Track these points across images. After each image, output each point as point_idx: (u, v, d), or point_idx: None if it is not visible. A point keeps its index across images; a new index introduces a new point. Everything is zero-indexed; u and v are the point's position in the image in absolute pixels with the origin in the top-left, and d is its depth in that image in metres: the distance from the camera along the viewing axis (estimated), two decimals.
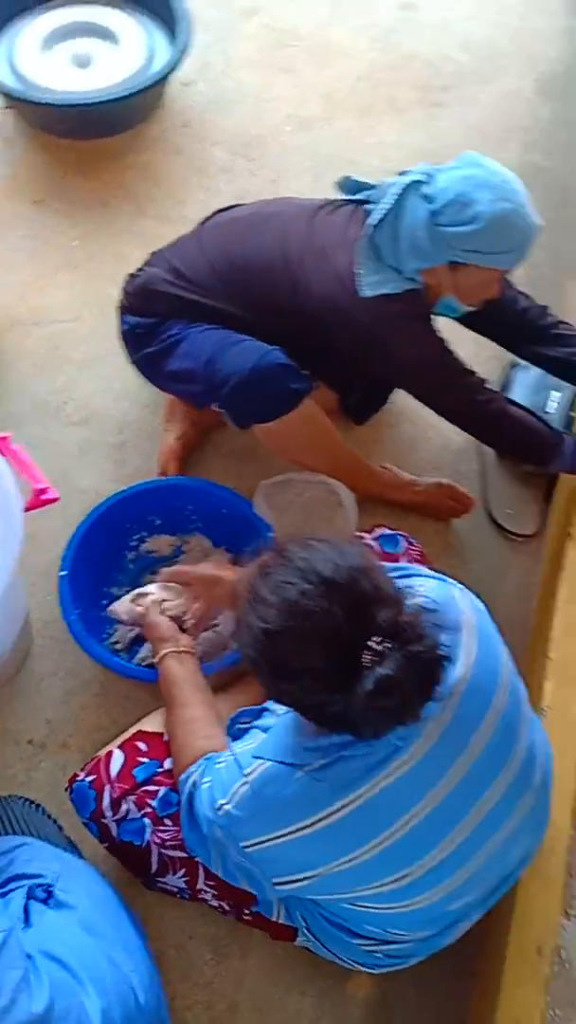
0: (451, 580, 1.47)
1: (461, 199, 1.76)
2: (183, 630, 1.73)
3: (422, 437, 2.33)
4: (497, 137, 2.92)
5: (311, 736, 1.28)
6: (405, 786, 1.26)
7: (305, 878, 1.33)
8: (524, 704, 1.42)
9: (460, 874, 1.35)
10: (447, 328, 2.10)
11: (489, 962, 1.62)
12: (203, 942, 1.73)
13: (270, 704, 1.49)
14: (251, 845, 1.32)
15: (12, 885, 1.42)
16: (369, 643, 1.12)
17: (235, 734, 1.53)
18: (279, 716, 1.39)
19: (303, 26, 3.18)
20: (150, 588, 1.80)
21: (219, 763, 1.41)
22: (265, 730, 1.39)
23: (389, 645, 1.12)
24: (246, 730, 1.49)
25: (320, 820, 1.27)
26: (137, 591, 1.80)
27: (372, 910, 1.38)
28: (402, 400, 2.34)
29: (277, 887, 1.36)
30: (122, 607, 1.80)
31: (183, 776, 1.48)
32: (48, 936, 1.33)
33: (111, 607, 1.82)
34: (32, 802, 1.65)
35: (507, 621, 2.10)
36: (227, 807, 1.33)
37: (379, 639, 1.13)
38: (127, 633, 1.95)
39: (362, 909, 1.38)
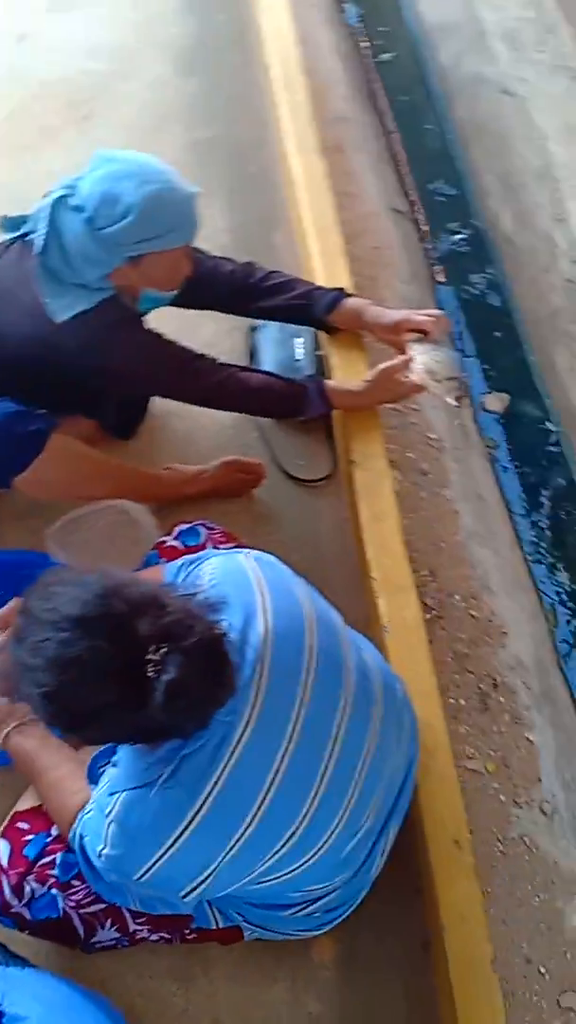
0: (235, 550, 1.48)
1: (107, 198, 1.76)
2: None
3: (195, 427, 2.34)
4: (157, 126, 2.95)
5: (151, 752, 1.26)
6: (253, 753, 1.26)
7: (206, 878, 1.31)
8: (341, 631, 1.43)
9: (343, 809, 1.36)
10: (181, 317, 2.12)
11: (421, 873, 1.65)
12: (163, 977, 1.69)
13: None
14: (143, 874, 1.30)
15: None
16: (147, 656, 1.11)
17: (96, 778, 1.50)
18: (120, 747, 1.37)
19: None
20: None
21: (87, 814, 1.38)
22: (115, 765, 1.37)
23: (166, 649, 1.11)
24: (104, 772, 1.46)
25: (192, 820, 1.26)
26: None
27: (283, 878, 1.37)
28: (162, 401, 2.33)
29: (185, 899, 1.34)
30: None
31: (70, 837, 1.45)
32: None
33: None
34: None
35: (336, 560, 2.18)
36: (105, 851, 1.30)
37: (154, 648, 1.11)
38: None
39: (274, 882, 1.38)
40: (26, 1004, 1.38)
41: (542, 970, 1.84)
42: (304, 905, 1.48)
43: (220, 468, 2.19)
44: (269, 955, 1.68)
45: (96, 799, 1.36)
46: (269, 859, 1.32)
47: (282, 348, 2.34)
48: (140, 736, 1.21)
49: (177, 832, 1.26)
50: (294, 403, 2.03)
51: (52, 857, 1.55)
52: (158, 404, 2.36)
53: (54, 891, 1.53)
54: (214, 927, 1.55)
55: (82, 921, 1.55)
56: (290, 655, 1.31)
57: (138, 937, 1.57)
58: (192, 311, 2.19)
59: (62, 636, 1.12)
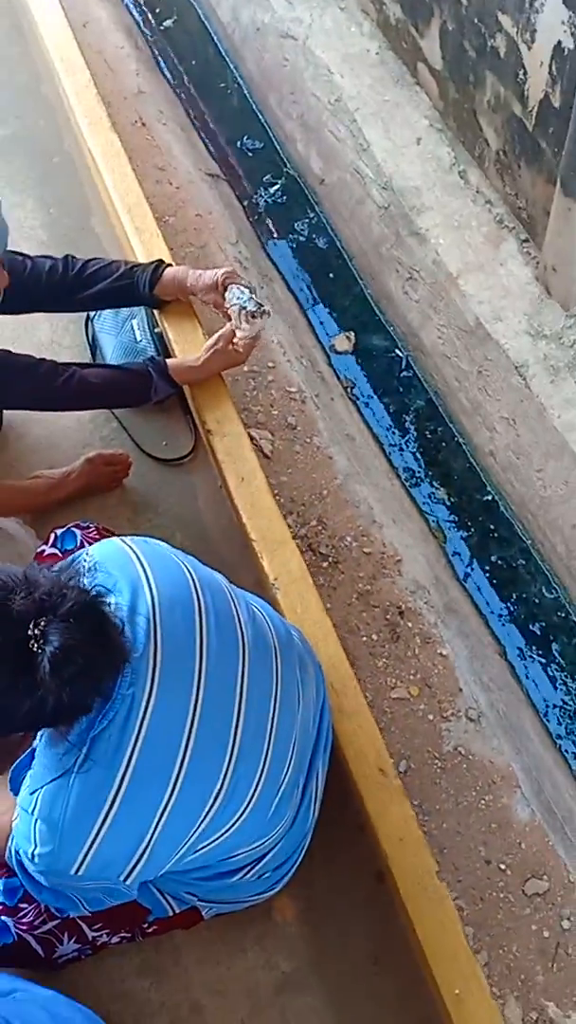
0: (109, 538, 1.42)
1: None
2: None
3: (54, 430, 2.24)
4: None
5: (62, 739, 1.21)
6: (162, 719, 1.22)
7: (142, 855, 1.25)
8: (227, 589, 1.39)
9: (261, 762, 1.33)
10: (14, 321, 2.01)
11: (355, 808, 1.65)
12: (136, 976, 1.66)
13: (35, 742, 1.38)
14: (79, 866, 1.23)
15: None
16: (28, 632, 1.07)
17: (17, 791, 1.44)
18: (33, 746, 1.31)
19: None
20: None
21: (15, 819, 1.32)
22: (33, 767, 1.30)
23: (44, 621, 1.07)
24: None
25: (115, 798, 1.20)
26: None
27: (218, 841, 1.32)
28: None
29: (127, 881, 1.27)
30: None
31: (7, 857, 1.38)
32: None
33: None
34: None
35: (220, 531, 2.13)
36: (37, 850, 1.24)
37: (32, 623, 1.07)
38: None
39: (212, 846, 1.32)
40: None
41: (502, 867, 1.87)
42: (251, 865, 1.44)
43: (85, 466, 2.11)
44: (233, 928, 1.66)
45: (19, 803, 1.29)
46: (200, 824, 1.28)
47: (121, 333, 2.25)
48: (44, 719, 1.14)
49: (103, 813, 1.20)
50: (140, 390, 1.96)
51: None
52: (15, 414, 2.25)
53: (3, 917, 1.48)
54: (171, 914, 1.51)
55: (38, 941, 1.50)
56: (182, 619, 1.27)
57: (99, 943, 1.53)
58: (23, 315, 2.09)
59: None
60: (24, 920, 1.48)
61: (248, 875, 1.46)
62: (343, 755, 1.60)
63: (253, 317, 1.91)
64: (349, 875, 1.69)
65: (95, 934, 1.51)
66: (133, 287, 2.03)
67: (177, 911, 1.51)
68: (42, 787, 1.22)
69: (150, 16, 3.85)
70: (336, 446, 2.52)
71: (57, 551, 1.74)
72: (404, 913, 1.52)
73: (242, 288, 1.94)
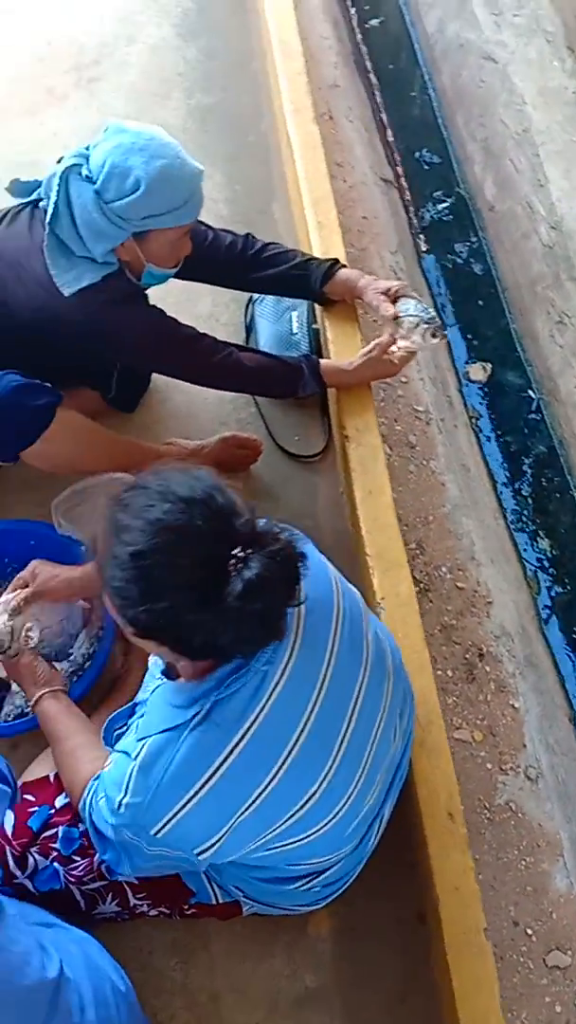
0: None
1: (117, 170, 1.63)
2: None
3: (197, 401, 2.21)
4: (159, 91, 2.77)
5: (183, 694, 1.20)
6: (284, 706, 1.19)
7: (223, 835, 1.22)
8: (361, 604, 1.36)
9: (357, 777, 1.29)
10: (182, 288, 1.99)
11: (415, 845, 1.60)
12: (163, 951, 1.63)
13: (139, 696, 1.41)
14: (161, 828, 1.20)
15: None
16: (233, 552, 1.08)
17: (114, 741, 1.41)
18: (149, 696, 1.30)
19: None
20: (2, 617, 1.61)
21: (105, 769, 1.30)
22: (143, 716, 1.29)
23: (251, 551, 1.08)
24: (123, 733, 1.39)
25: (219, 766, 1.18)
26: None
27: (292, 846, 1.28)
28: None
29: (201, 857, 1.24)
30: None
31: (80, 805, 1.38)
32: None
33: None
34: None
35: (333, 534, 2.09)
36: (125, 800, 1.21)
37: (240, 548, 1.08)
38: None
39: (283, 849, 1.29)
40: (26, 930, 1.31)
41: (529, 931, 1.81)
42: (310, 877, 1.40)
43: (219, 444, 2.08)
44: (266, 930, 1.62)
45: (119, 749, 1.27)
46: (286, 821, 1.24)
47: (279, 322, 2.21)
48: (191, 643, 1.13)
49: (204, 777, 1.18)
50: (289, 384, 1.92)
51: (55, 830, 1.48)
52: (160, 378, 2.23)
53: (56, 865, 1.47)
54: (214, 902, 1.49)
55: (83, 895, 1.49)
56: (321, 618, 1.25)
57: (138, 911, 1.51)
58: (191, 284, 2.05)
59: (167, 506, 1.10)
60: (74, 872, 1.47)
61: (302, 886, 1.42)
62: (414, 791, 1.55)
63: (433, 336, 1.84)
64: (392, 909, 1.64)
65: (137, 902, 1.49)
66: (305, 280, 1.99)
67: (220, 901, 1.48)
68: (151, 736, 1.20)
69: (357, 13, 3.78)
70: (451, 474, 2.45)
71: None
72: (442, 960, 1.47)
73: (420, 302, 1.88)
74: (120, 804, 1.22)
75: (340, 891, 1.50)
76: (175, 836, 1.21)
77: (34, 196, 1.79)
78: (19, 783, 1.57)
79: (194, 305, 2.28)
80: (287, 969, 1.60)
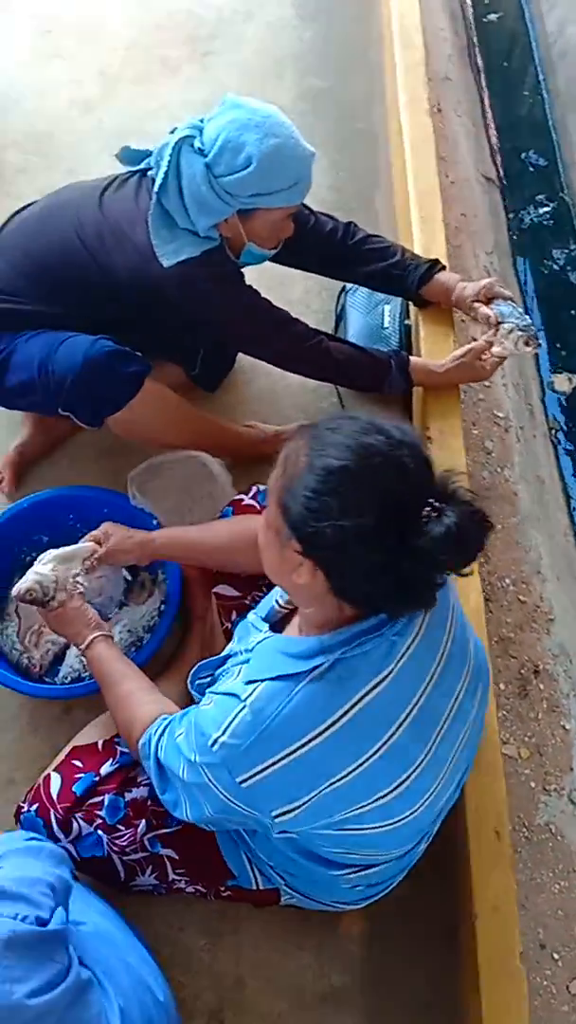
0: None
1: (230, 145, 1.60)
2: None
3: (279, 386, 2.19)
4: (272, 70, 2.74)
5: (302, 645, 1.17)
6: (401, 682, 1.16)
7: (306, 803, 1.18)
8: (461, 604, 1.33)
9: (441, 775, 1.26)
10: (276, 272, 1.95)
11: (458, 859, 1.57)
12: (194, 930, 1.63)
13: (233, 647, 1.39)
14: (250, 777, 1.17)
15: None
16: (430, 501, 1.06)
17: (199, 689, 1.41)
18: (254, 646, 1.28)
19: (63, 9, 2.91)
20: (48, 566, 1.58)
21: (204, 705, 1.26)
22: (245, 662, 1.26)
23: (446, 505, 1.06)
24: (210, 682, 1.38)
25: (328, 727, 1.14)
26: (36, 567, 1.57)
27: (363, 832, 1.24)
28: (248, 357, 2.17)
29: (279, 819, 1.20)
30: (29, 582, 1.56)
31: (142, 742, 1.36)
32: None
33: (16, 589, 1.56)
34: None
35: None
36: (223, 739, 1.17)
37: (436, 500, 1.06)
38: (45, 656, 1.81)
39: (354, 833, 1.24)
40: (79, 911, 1.32)
41: (555, 956, 1.76)
42: (358, 869, 1.36)
43: (298, 430, 2.03)
44: (298, 923, 1.61)
45: (224, 689, 1.23)
46: (369, 804, 1.19)
47: (370, 314, 2.17)
48: (356, 576, 1.10)
49: (311, 734, 1.14)
50: (376, 378, 1.88)
51: (101, 798, 1.48)
52: (244, 359, 2.20)
53: (100, 832, 1.46)
54: (253, 888, 1.47)
55: (123, 865, 1.48)
56: (443, 607, 1.23)
57: (175, 887, 1.50)
58: (284, 268, 2.02)
59: (379, 437, 1.08)
60: (118, 842, 1.46)
61: (346, 874, 1.38)
62: (463, 804, 1.51)
63: (526, 344, 1.79)
64: (424, 919, 1.62)
65: (175, 877, 1.49)
66: (403, 278, 1.94)
67: (260, 887, 1.47)
68: (264, 680, 1.17)
69: (475, 7, 3.68)
70: (524, 484, 2.39)
71: (256, 504, 1.70)
72: (473, 979, 1.44)
73: (516, 307, 1.82)
74: (215, 742, 1.18)
75: (380, 895, 1.47)
76: (260, 791, 1.18)
77: (143, 165, 1.77)
78: (69, 747, 1.58)
79: (286, 289, 2.24)
80: (315, 964, 1.59)
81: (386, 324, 2.14)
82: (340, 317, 2.23)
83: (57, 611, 1.56)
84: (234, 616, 1.67)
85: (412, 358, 1.89)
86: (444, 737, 1.23)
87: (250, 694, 1.17)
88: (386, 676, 1.15)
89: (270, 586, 1.62)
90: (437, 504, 1.06)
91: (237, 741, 1.16)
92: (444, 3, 3.41)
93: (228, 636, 1.65)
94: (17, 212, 1.92)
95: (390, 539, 1.04)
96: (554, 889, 1.83)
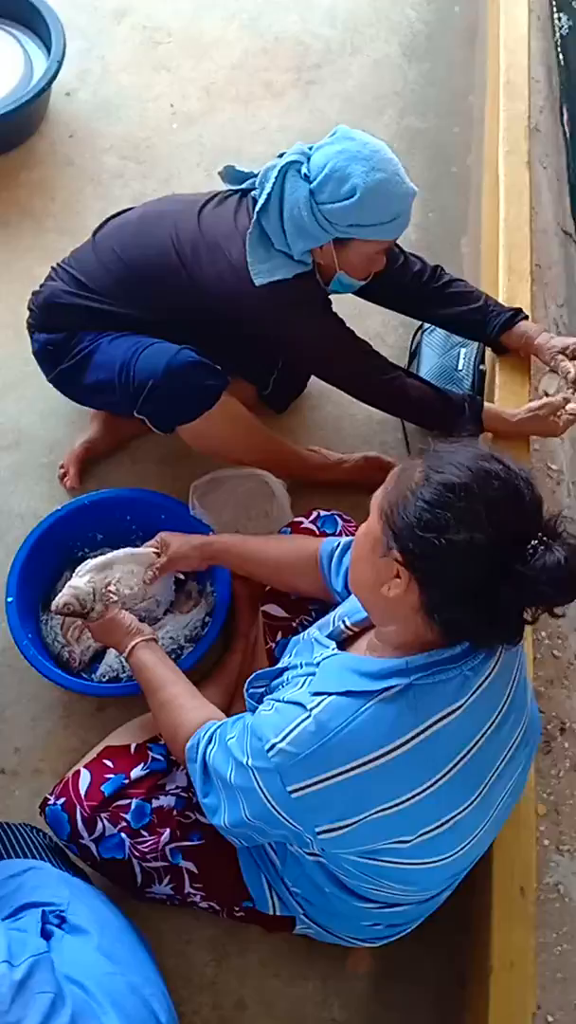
0: None
1: (337, 174, 1.62)
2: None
3: (346, 415, 2.18)
4: (373, 106, 2.75)
5: (374, 665, 1.17)
6: (467, 719, 1.15)
7: (352, 824, 1.16)
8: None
9: (486, 821, 1.24)
10: (355, 303, 1.96)
11: (478, 912, 1.54)
12: (201, 945, 1.62)
13: (290, 660, 1.39)
14: (301, 788, 1.16)
15: (23, 913, 1.30)
16: (539, 534, 1.06)
17: (253, 696, 1.41)
18: (328, 658, 1.27)
19: (173, 22, 2.95)
20: (84, 578, 1.58)
21: (263, 711, 1.26)
22: (311, 675, 1.26)
23: (554, 541, 1.06)
24: (265, 692, 1.38)
25: (390, 751, 1.13)
26: (72, 581, 1.58)
27: (398, 865, 1.22)
28: (321, 382, 2.17)
29: (322, 836, 1.19)
30: (66, 596, 1.55)
31: (190, 744, 1.35)
32: (69, 961, 1.21)
33: (54, 604, 1.56)
34: (36, 828, 1.53)
35: None
36: (281, 745, 1.16)
37: (544, 535, 1.06)
38: (86, 652, 1.81)
39: (388, 865, 1.22)
40: (88, 919, 1.31)
41: (550, 1018, 1.73)
42: (380, 906, 1.34)
43: (361, 461, 2.05)
44: (306, 953, 1.59)
45: (287, 698, 1.23)
46: (413, 838, 1.18)
47: (445, 355, 2.17)
48: (451, 596, 1.09)
49: (371, 755, 1.13)
50: (447, 419, 1.86)
51: (128, 801, 1.47)
52: (315, 385, 2.21)
53: (123, 835, 1.46)
54: (269, 912, 1.45)
55: (142, 871, 1.47)
56: (514, 652, 1.22)
57: (189, 900, 1.49)
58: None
59: (497, 465, 1.08)
60: (139, 848, 1.46)
61: (372, 909, 1.35)
62: (490, 855, 1.48)
63: None
64: (434, 966, 1.59)
65: (191, 890, 1.48)
66: (484, 323, 1.95)
67: (277, 913, 1.45)
68: (332, 694, 1.17)
69: (569, 62, 3.69)
70: None
71: (315, 529, 1.70)
72: None
73: None
74: (273, 747, 1.17)
75: (395, 936, 1.45)
76: (309, 803, 1.16)
77: (244, 185, 1.80)
78: (101, 745, 1.58)
79: (364, 321, 2.25)
80: (318, 996, 1.57)
81: (460, 367, 2.14)
82: (414, 355, 2.23)
83: (98, 622, 1.57)
84: (279, 637, 1.66)
85: (485, 404, 1.89)
86: (495, 783, 1.22)
87: (316, 705, 1.16)
88: (456, 709, 1.14)
89: (319, 610, 1.63)
90: (545, 539, 1.06)
91: (296, 749, 1.16)
92: (543, 57, 3.43)
93: (270, 656, 1.65)
94: (114, 216, 1.95)
95: (495, 562, 1.04)
96: (555, 951, 1.80)
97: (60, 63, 2.52)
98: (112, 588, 1.57)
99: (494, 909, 1.45)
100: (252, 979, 1.58)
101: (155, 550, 1.66)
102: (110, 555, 1.62)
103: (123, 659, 1.59)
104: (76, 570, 1.60)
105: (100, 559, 1.60)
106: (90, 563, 1.60)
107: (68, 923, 1.29)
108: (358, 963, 1.58)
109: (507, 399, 1.95)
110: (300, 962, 1.59)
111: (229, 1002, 1.57)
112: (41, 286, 1.93)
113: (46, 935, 1.25)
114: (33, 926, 1.26)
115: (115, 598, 1.57)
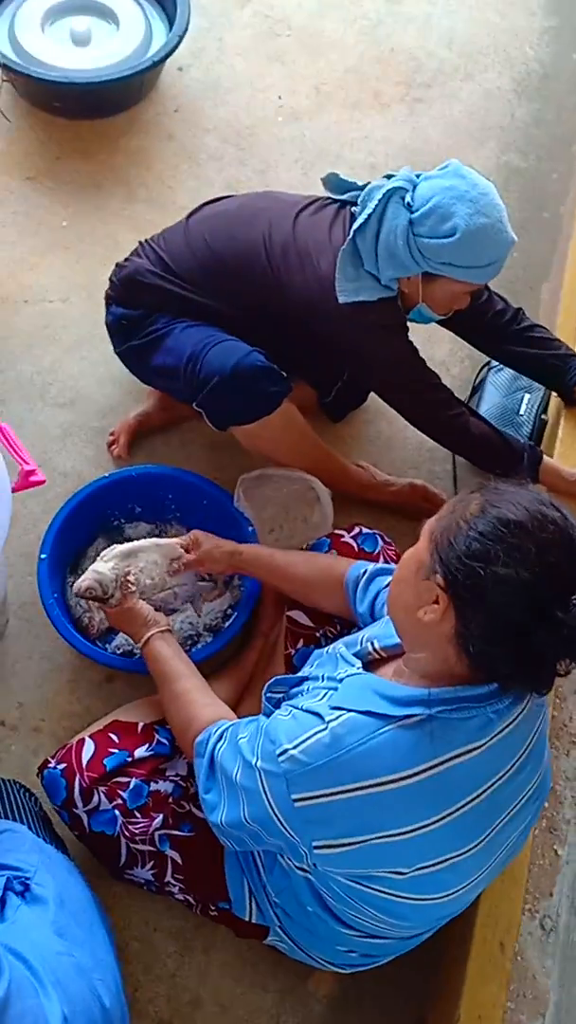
0: None
1: (440, 210, 1.61)
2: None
3: (399, 437, 2.16)
4: (476, 136, 2.72)
5: (399, 691, 1.16)
6: (483, 761, 1.14)
7: (350, 844, 1.15)
8: None
9: (485, 868, 1.22)
10: (427, 328, 1.93)
11: (452, 958, 1.51)
12: (167, 935, 1.59)
13: (311, 671, 1.38)
14: (306, 798, 1.14)
15: None
16: None
17: (271, 701, 1.39)
18: (352, 675, 1.26)
19: (296, 16, 2.93)
20: (109, 564, 1.56)
21: (280, 715, 1.25)
22: (332, 689, 1.25)
23: None
24: (280, 699, 1.37)
25: (401, 779, 1.11)
26: (96, 565, 1.56)
27: (389, 897, 1.20)
28: (379, 400, 2.16)
29: (318, 851, 1.17)
30: (89, 580, 1.54)
31: (200, 740, 1.35)
32: (18, 934, 1.18)
33: (76, 586, 1.55)
34: (25, 788, 1.50)
35: None
36: (293, 752, 1.15)
37: None
38: (103, 621, 1.79)
39: (379, 894, 1.20)
40: (52, 890, 1.28)
41: None
42: (361, 935, 1.32)
43: (407, 487, 2.02)
44: (271, 964, 1.57)
45: (305, 707, 1.22)
46: (409, 872, 1.16)
47: (509, 397, 2.14)
48: (487, 632, 1.07)
49: (381, 779, 1.12)
50: (504, 463, 1.84)
51: (128, 780, 1.45)
52: (373, 400, 2.18)
53: (117, 812, 1.44)
54: (245, 918, 1.43)
55: (127, 852, 1.45)
56: (540, 704, 1.21)
57: (167, 889, 1.47)
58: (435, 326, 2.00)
59: (556, 512, 1.07)
60: (130, 828, 1.44)
61: (352, 936, 1.33)
62: (476, 905, 1.46)
63: None
64: (397, 1002, 1.56)
65: (171, 880, 1.45)
66: (559, 373, 1.93)
67: (253, 921, 1.43)
68: (353, 711, 1.16)
69: None
70: None
71: (354, 545, 1.68)
72: None
73: None
74: (285, 752, 1.16)
75: (367, 967, 1.43)
76: (310, 815, 1.15)
77: (346, 196, 1.77)
78: (109, 718, 1.56)
79: (432, 347, 2.22)
80: (274, 1009, 1.54)
81: (522, 411, 2.11)
82: (476, 390, 2.20)
83: (116, 609, 1.56)
84: (300, 644, 1.64)
85: (546, 458, 1.87)
86: (500, 831, 1.20)
87: (335, 719, 1.15)
88: (475, 749, 1.13)
89: (345, 625, 1.61)
90: None
91: (307, 759, 1.15)
92: None
93: (288, 661, 1.63)
94: (211, 202, 1.93)
95: (536, 603, 1.03)
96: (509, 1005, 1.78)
97: (181, 38, 2.51)
98: (131, 578, 1.56)
99: (471, 960, 1.42)
100: (212, 979, 1.56)
101: (182, 543, 1.64)
102: (136, 544, 1.60)
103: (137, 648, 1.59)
104: (101, 554, 1.58)
105: (126, 547, 1.58)
106: (116, 549, 1.58)
107: (31, 891, 1.26)
108: (320, 983, 1.56)
109: (567, 455, 1.92)
110: (263, 972, 1.56)
111: (185, 997, 1.54)
112: (126, 260, 1.92)
113: (1, 902, 1.23)
114: None
115: (133, 588, 1.55)
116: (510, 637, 1.06)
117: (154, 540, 1.63)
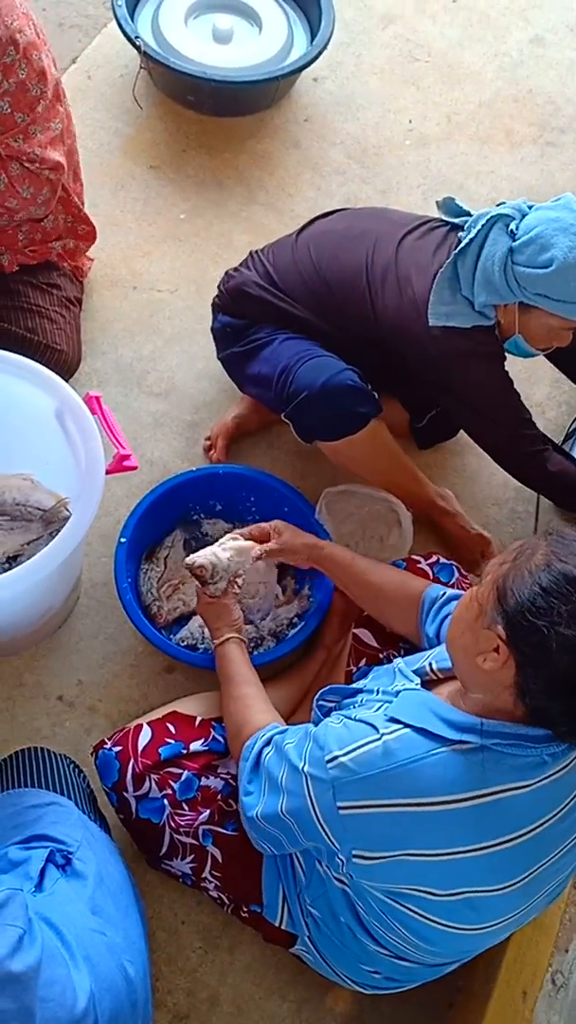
0: None
1: (541, 240, 1.61)
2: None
3: (485, 471, 2.18)
4: None
5: (458, 716, 1.18)
6: (531, 802, 1.15)
7: (389, 856, 1.18)
8: None
9: (522, 909, 1.24)
10: (527, 366, 1.95)
11: (473, 998, 1.53)
12: (194, 930, 1.63)
13: (368, 684, 1.41)
14: (351, 806, 1.17)
15: (35, 844, 1.32)
16: None
17: (321, 709, 1.42)
18: (410, 691, 1.28)
19: (436, 43, 2.97)
20: (228, 553, 1.61)
21: (331, 723, 1.27)
22: (387, 702, 1.27)
23: None
24: (332, 708, 1.40)
25: (446, 802, 1.14)
26: (215, 549, 1.61)
27: (420, 919, 1.23)
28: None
29: (356, 860, 1.20)
30: (206, 557, 1.59)
31: (249, 742, 1.39)
32: (55, 906, 1.22)
33: (191, 559, 1.59)
34: (75, 764, 1.55)
35: None
36: (343, 759, 1.18)
37: None
38: (172, 612, 1.85)
39: (410, 914, 1.23)
40: (92, 867, 1.32)
41: None
42: (390, 955, 1.35)
43: (476, 535, 2.01)
44: (292, 973, 1.60)
45: (360, 717, 1.24)
46: (444, 895, 1.18)
47: None
48: (545, 682, 1.09)
49: (429, 799, 1.14)
50: None
51: (181, 772, 1.49)
52: (464, 434, 2.20)
53: (166, 801, 1.47)
54: (276, 923, 1.45)
55: (170, 842, 1.49)
56: None
57: (202, 884, 1.50)
58: (537, 365, 2.02)
59: None
60: (176, 819, 1.47)
61: (379, 954, 1.36)
62: (504, 947, 1.47)
63: None
64: None
65: (208, 876, 1.48)
66: None
67: (283, 927, 1.45)
68: (410, 726, 1.18)
69: None
70: None
71: (430, 572, 1.69)
72: None
73: None
74: (335, 759, 1.19)
75: (389, 991, 1.45)
76: (354, 824, 1.18)
77: (456, 222, 1.79)
78: (168, 708, 1.60)
79: (530, 387, 2.25)
80: (289, 1019, 1.57)
81: None
82: (571, 436, 2.21)
83: (213, 598, 1.61)
84: (362, 663, 1.67)
85: None
86: (541, 874, 1.21)
87: (389, 732, 1.18)
88: (525, 787, 1.14)
89: (409, 648, 1.64)
90: None
91: (357, 768, 1.17)
92: None
93: (348, 678, 1.65)
94: (322, 216, 1.97)
95: None
96: None
97: (323, 50, 2.57)
98: (240, 580, 1.62)
99: (491, 1003, 1.44)
100: (232, 979, 1.59)
101: (266, 528, 1.69)
102: (248, 543, 1.65)
103: (211, 642, 1.63)
104: (220, 540, 1.63)
105: (240, 543, 1.63)
106: (234, 544, 1.63)
107: (71, 866, 1.30)
108: (338, 1001, 1.58)
109: None
110: (284, 980, 1.59)
111: (204, 993, 1.57)
112: (235, 270, 1.97)
113: (41, 872, 1.27)
114: (36, 860, 1.28)
115: (238, 590, 1.62)
116: (568, 694, 1.08)
117: (238, 543, 1.64)
